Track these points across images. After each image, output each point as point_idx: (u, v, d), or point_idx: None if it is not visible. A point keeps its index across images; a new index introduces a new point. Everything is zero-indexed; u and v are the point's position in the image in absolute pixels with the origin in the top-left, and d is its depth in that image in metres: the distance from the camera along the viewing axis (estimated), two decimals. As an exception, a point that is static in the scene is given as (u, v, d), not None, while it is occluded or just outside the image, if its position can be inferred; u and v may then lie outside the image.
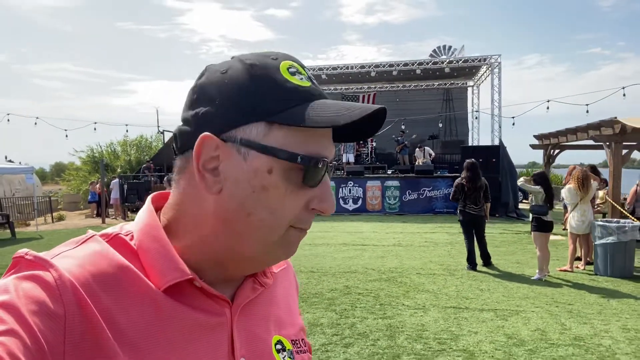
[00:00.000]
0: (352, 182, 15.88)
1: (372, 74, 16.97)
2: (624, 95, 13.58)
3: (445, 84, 19.62)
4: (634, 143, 8.18)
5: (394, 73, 17.02)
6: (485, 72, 17.67)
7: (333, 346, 4.12)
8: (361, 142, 19.08)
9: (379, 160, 18.57)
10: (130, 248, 0.56)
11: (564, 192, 7.14)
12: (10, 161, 24.42)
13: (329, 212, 0.57)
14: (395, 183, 15.57)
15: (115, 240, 0.56)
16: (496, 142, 16.06)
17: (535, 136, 12.09)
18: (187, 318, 0.54)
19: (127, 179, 16.96)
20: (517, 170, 16.42)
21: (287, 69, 0.55)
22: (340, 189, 15.90)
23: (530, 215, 6.75)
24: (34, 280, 0.47)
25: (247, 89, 0.53)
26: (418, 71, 16.57)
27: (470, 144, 18.94)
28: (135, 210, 16.13)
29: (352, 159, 17.49)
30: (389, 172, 16.95)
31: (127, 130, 28.14)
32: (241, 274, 0.62)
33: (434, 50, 22.06)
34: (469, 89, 19.88)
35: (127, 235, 0.57)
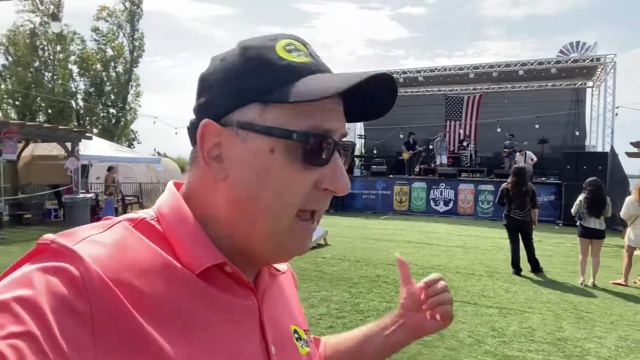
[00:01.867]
0: (443, 184, 15.92)
1: (471, 75, 16.67)
2: None
3: (561, 84, 18.24)
4: None
5: (494, 75, 16.50)
6: (601, 72, 16.10)
7: (327, 317, 4.92)
8: (460, 144, 18.85)
9: (479, 164, 18.12)
10: (158, 232, 0.55)
11: (625, 204, 6.78)
12: (158, 153, 29.19)
13: (342, 191, 0.55)
14: (490, 187, 15.20)
15: (142, 225, 0.55)
16: (607, 149, 14.66)
17: (632, 143, 10.96)
18: (223, 302, 0.54)
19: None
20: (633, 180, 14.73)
21: (284, 47, 0.54)
22: (432, 191, 16.05)
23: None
24: (59, 273, 0.44)
25: (240, 71, 0.53)
26: (521, 72, 15.84)
27: (586, 151, 17.40)
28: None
29: (444, 161, 17.40)
30: (490, 176, 16.49)
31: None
32: (257, 265, 0.62)
33: (565, 47, 20.65)
34: (588, 90, 18.21)
35: (152, 219, 0.56)
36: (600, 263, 6.69)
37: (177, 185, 0.62)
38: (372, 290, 5.97)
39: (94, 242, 0.49)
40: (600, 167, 13.06)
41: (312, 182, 0.54)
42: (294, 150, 0.53)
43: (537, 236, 11.29)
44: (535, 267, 7.24)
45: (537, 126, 17.26)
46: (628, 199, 6.73)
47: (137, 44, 32.56)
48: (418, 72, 17.77)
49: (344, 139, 0.58)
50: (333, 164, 0.55)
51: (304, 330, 0.70)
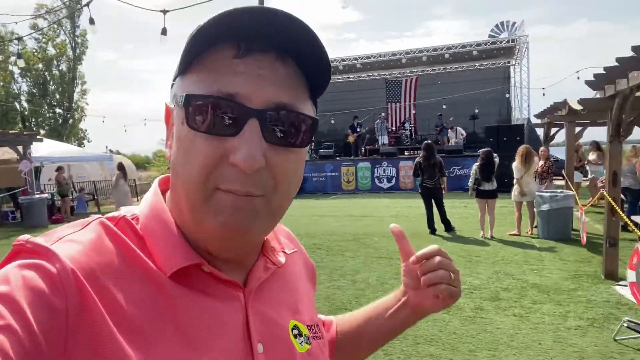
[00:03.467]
0: (385, 163, 17.24)
1: (403, 60, 18.00)
2: None
3: (487, 64, 19.93)
4: (587, 121, 8.80)
5: (424, 59, 17.91)
6: (518, 52, 17.83)
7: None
8: (401, 125, 20.25)
9: (419, 142, 19.57)
10: (136, 232, 0.55)
11: (513, 167, 8.14)
12: (110, 151, 29.12)
13: (242, 166, 0.49)
14: (426, 163, 16.63)
15: (121, 224, 0.55)
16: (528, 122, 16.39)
17: (535, 115, 12.55)
18: (197, 305, 0.52)
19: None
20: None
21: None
22: (375, 169, 17.34)
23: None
24: (35, 269, 0.45)
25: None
26: (447, 55, 17.30)
27: (513, 124, 19.18)
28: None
29: (386, 141, 18.72)
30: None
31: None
32: (235, 258, 0.58)
33: (496, 26, 22.33)
34: (511, 69, 20.01)
35: (133, 218, 0.56)
36: (499, 218, 8.06)
37: (166, 181, 0.60)
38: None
39: (70, 241, 0.49)
40: (518, 138, 14.64)
41: (217, 154, 0.49)
42: (190, 118, 0.49)
43: (461, 202, 12.81)
44: (448, 227, 8.55)
45: (468, 104, 18.87)
46: (513, 164, 8.09)
47: (79, 40, 31.99)
48: (356, 59, 18.91)
49: (270, 108, 0.50)
50: (242, 134, 0.49)
51: (309, 325, 0.66)
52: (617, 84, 4.84)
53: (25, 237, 0.49)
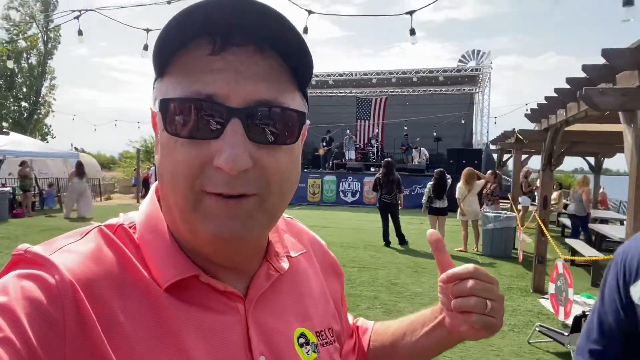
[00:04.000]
0: (351, 177, 17.81)
1: (374, 80, 18.77)
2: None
3: (452, 90, 20.97)
4: (533, 150, 9.63)
5: (393, 80, 18.74)
6: (481, 81, 18.93)
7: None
8: (369, 142, 20.94)
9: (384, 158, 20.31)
10: (134, 241, 0.54)
11: (457, 188, 8.77)
12: (75, 149, 28.62)
13: (226, 168, 0.47)
14: (390, 180, 17.30)
15: (119, 232, 0.54)
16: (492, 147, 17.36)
17: (490, 141, 13.42)
18: (194, 319, 0.51)
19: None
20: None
21: None
22: (341, 183, 17.88)
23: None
24: (34, 280, 0.45)
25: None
26: (415, 79, 18.17)
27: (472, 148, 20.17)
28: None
29: (353, 156, 19.33)
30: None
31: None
32: (232, 266, 0.57)
33: (466, 53, 23.44)
34: (475, 95, 21.12)
35: (130, 226, 0.55)
36: (452, 235, 8.63)
37: None
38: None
39: (69, 252, 0.49)
40: (476, 161, 15.50)
41: (201, 157, 0.48)
42: (168, 123, 0.48)
43: (419, 219, 13.41)
44: (402, 241, 9.07)
45: (433, 126, 19.77)
46: (458, 184, 8.72)
47: (52, 35, 31.47)
48: (328, 75, 19.54)
49: (252, 105, 0.48)
50: (225, 136, 0.47)
51: (318, 331, 0.63)
52: (549, 118, 5.48)
53: (24, 246, 0.49)
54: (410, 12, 5.96)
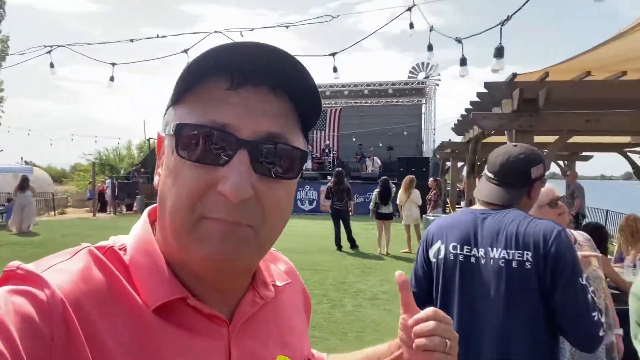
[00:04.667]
0: (308, 186, 18.48)
1: (327, 93, 19.60)
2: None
3: (402, 101, 22.15)
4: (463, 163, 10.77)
5: (345, 93, 19.64)
6: (428, 93, 20.19)
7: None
8: (324, 152, 21.72)
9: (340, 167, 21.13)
10: (123, 263, 0.55)
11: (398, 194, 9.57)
12: (26, 162, 27.82)
13: (230, 195, 0.50)
14: (345, 188, 18.09)
15: (109, 254, 0.55)
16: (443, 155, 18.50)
17: (434, 150, 14.48)
18: (179, 340, 0.52)
19: (119, 179, 19.90)
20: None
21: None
22: (298, 192, 18.47)
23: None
24: (25, 296, 0.46)
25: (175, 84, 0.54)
26: (366, 91, 19.15)
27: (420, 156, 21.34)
28: (126, 206, 19.09)
29: (310, 165, 20.03)
30: (346, 178, 19.47)
31: (119, 139, 32.23)
32: (222, 290, 0.58)
33: (417, 64, 24.63)
34: (423, 107, 22.38)
35: (120, 249, 0.56)
36: (398, 237, 9.39)
37: (155, 211, 0.59)
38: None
39: (60, 271, 0.50)
40: (424, 169, 16.51)
41: (205, 182, 0.51)
42: (180, 146, 0.51)
43: (371, 224, 14.17)
44: (353, 245, 9.77)
45: (385, 136, 20.79)
46: (399, 191, 9.51)
47: (0, 46, 30.49)
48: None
49: (261, 139, 0.52)
50: (232, 164, 0.51)
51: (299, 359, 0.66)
52: (469, 132, 6.33)
53: (15, 263, 0.50)
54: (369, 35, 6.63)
